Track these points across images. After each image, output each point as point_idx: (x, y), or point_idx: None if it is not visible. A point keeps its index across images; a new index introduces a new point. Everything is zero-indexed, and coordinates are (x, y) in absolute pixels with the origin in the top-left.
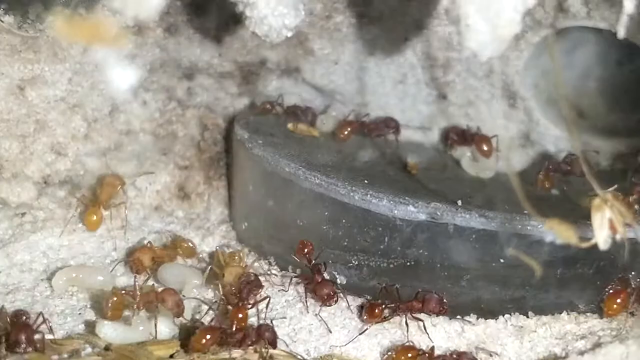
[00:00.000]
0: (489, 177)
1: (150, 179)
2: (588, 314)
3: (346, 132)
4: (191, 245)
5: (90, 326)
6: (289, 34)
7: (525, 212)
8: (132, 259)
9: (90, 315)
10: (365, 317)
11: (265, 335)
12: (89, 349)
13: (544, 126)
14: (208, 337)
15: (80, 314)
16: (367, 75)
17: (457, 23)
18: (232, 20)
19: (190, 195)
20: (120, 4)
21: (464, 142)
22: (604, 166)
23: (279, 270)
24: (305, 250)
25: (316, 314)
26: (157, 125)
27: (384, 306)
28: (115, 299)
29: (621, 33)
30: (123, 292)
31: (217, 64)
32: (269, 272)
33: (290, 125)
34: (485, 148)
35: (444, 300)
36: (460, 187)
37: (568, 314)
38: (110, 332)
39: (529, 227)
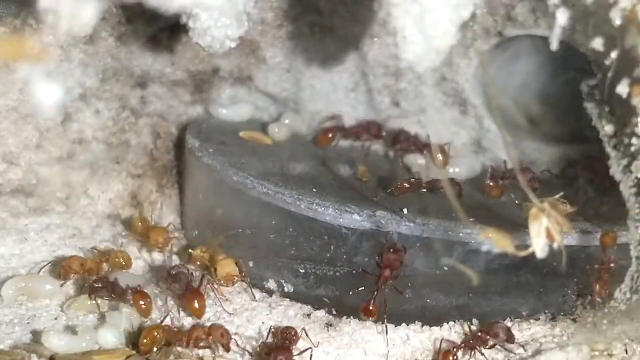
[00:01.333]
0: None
1: (103, 187)
2: (531, 320)
3: (329, 137)
4: (127, 257)
5: (38, 335)
6: (232, 45)
7: (468, 220)
8: (61, 265)
9: (38, 324)
10: None
11: (218, 336)
12: (35, 359)
13: (495, 133)
14: (154, 334)
15: (28, 323)
16: (320, 83)
17: (394, 35)
18: (184, 30)
19: (142, 203)
20: (53, 18)
21: (415, 149)
22: (555, 173)
23: None
24: None
25: (262, 322)
26: (109, 133)
27: (456, 349)
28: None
29: (554, 45)
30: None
31: (169, 72)
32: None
33: (242, 133)
34: (440, 157)
35: (510, 330)
36: (409, 194)
37: (511, 320)
38: (56, 341)
39: (471, 235)
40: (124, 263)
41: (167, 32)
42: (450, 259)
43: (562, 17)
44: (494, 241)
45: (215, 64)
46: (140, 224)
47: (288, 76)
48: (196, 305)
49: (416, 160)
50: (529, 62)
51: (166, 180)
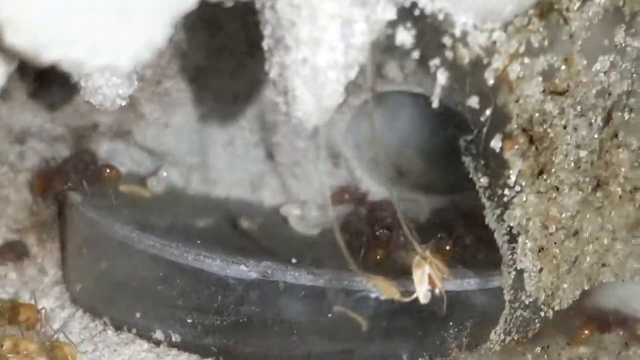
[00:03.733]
0: (316, 234)
1: None
2: None
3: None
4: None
5: None
6: (123, 103)
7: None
8: None
9: None
10: None
11: None
12: None
13: (367, 184)
14: None
15: None
16: (198, 137)
17: (284, 94)
18: (66, 87)
19: (22, 258)
20: None
21: None
22: (423, 220)
23: (114, 330)
24: None
25: None
26: None
27: None
28: None
29: (435, 103)
30: None
31: (49, 128)
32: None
33: (122, 187)
34: None
35: None
36: (289, 245)
37: None
38: None
39: (354, 283)
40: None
41: (48, 89)
42: (340, 306)
43: (442, 77)
44: (381, 289)
45: (95, 119)
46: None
47: (166, 131)
48: None
49: (292, 211)
50: (400, 116)
51: (47, 235)
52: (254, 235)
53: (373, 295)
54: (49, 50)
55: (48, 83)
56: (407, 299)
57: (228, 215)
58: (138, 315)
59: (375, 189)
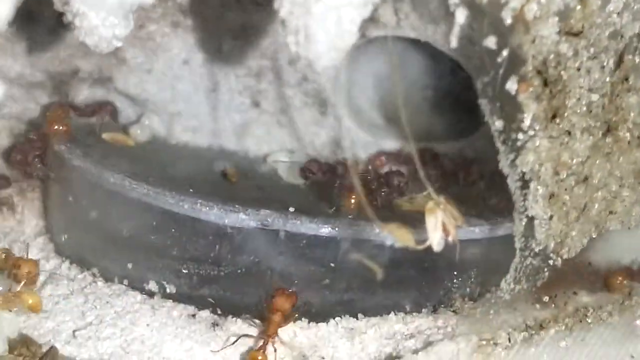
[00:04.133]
0: (304, 183)
1: None
2: (414, 313)
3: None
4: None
5: None
6: (119, 44)
7: (351, 216)
8: None
9: None
10: None
11: None
12: None
13: (354, 132)
14: None
15: None
16: (181, 84)
17: (295, 33)
18: (45, 31)
19: (2, 208)
20: None
21: None
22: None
23: (104, 281)
24: None
25: (147, 324)
26: None
27: None
28: None
29: (454, 43)
30: None
31: (28, 74)
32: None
33: (105, 135)
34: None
35: None
36: (281, 193)
37: (395, 314)
38: None
39: (359, 232)
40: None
41: (27, 33)
42: (356, 254)
43: (460, 15)
44: (396, 236)
45: (75, 65)
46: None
47: (149, 77)
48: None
49: (280, 160)
50: (385, 63)
51: (27, 184)
52: (243, 184)
53: (377, 244)
54: None
55: (28, 26)
56: (421, 247)
57: (215, 164)
58: (130, 266)
59: (362, 138)
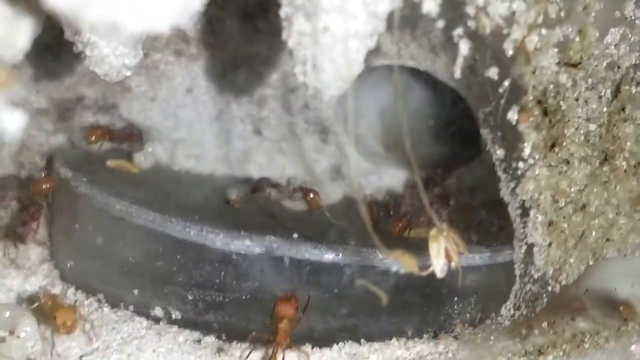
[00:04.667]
0: (304, 210)
1: None
2: (416, 339)
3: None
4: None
5: None
6: (128, 73)
7: (355, 243)
8: None
9: None
10: None
11: None
12: None
13: (355, 160)
14: None
15: None
16: (184, 112)
17: (303, 63)
18: (51, 58)
19: (9, 234)
20: None
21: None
22: None
23: (110, 307)
24: None
25: (153, 350)
26: None
27: None
28: None
29: (457, 73)
30: None
31: (33, 100)
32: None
33: (110, 162)
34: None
35: None
36: (286, 220)
37: (397, 339)
38: None
39: (363, 259)
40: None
41: (34, 60)
42: (361, 280)
43: (464, 47)
44: (401, 262)
45: (80, 92)
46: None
47: (152, 105)
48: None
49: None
50: (387, 92)
51: (33, 209)
52: (247, 211)
53: (381, 271)
54: (89, 10)
55: (34, 53)
56: (424, 273)
57: (218, 191)
58: (136, 292)
59: (363, 166)
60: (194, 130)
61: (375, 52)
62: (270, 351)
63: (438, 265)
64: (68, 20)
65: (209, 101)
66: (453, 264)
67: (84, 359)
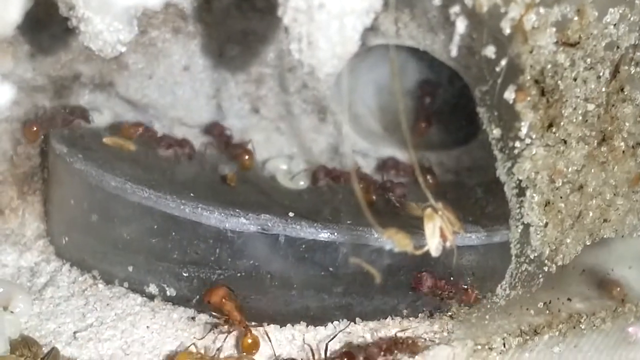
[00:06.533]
0: (303, 188)
1: None
2: (411, 318)
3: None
4: None
5: None
6: (123, 49)
7: (350, 222)
8: None
9: None
10: None
11: None
12: None
13: (353, 139)
14: None
15: None
16: (181, 89)
17: (298, 40)
18: (47, 35)
19: (4, 210)
20: None
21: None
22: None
23: (105, 284)
24: None
25: (147, 326)
26: None
27: None
28: None
29: (454, 52)
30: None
31: (30, 78)
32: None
33: (106, 139)
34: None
35: None
36: (281, 198)
37: (392, 318)
38: None
39: (356, 237)
40: None
41: (29, 37)
42: (355, 258)
43: (461, 25)
44: (395, 241)
45: (76, 69)
46: None
47: (150, 82)
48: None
49: (279, 166)
50: (385, 71)
51: (28, 187)
52: (241, 189)
53: (375, 249)
54: None
55: (30, 30)
56: (419, 252)
57: (213, 169)
58: (130, 268)
59: (360, 145)
60: (192, 108)
61: (373, 31)
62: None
63: (433, 244)
64: None
65: (206, 79)
66: (448, 244)
67: (78, 334)
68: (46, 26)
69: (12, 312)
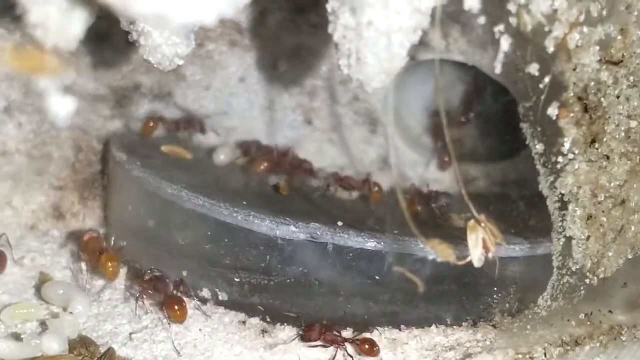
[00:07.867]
0: (353, 198)
1: (26, 199)
2: (454, 326)
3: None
4: None
5: None
6: (181, 62)
7: (396, 232)
8: None
9: None
10: None
11: None
12: None
13: (402, 151)
14: None
15: None
16: (237, 100)
17: (347, 56)
18: (110, 47)
19: (65, 215)
20: (42, 32)
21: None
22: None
23: None
24: None
25: (200, 329)
26: (31, 146)
27: None
28: None
29: (498, 69)
30: None
31: (92, 87)
32: None
33: (164, 148)
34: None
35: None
36: (330, 207)
37: (436, 327)
38: (1, 348)
39: (404, 247)
40: None
41: (91, 48)
42: (399, 267)
43: (505, 43)
44: (438, 251)
45: (136, 80)
46: None
47: (206, 93)
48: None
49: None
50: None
51: (88, 193)
52: (293, 197)
53: (420, 259)
54: (137, 3)
55: (93, 42)
56: (461, 262)
57: (267, 178)
58: (184, 273)
59: (410, 157)
60: (246, 118)
61: (423, 46)
62: None
63: (475, 255)
64: (119, 12)
65: (261, 91)
66: (490, 255)
67: (134, 336)
68: (108, 39)
69: (71, 312)
